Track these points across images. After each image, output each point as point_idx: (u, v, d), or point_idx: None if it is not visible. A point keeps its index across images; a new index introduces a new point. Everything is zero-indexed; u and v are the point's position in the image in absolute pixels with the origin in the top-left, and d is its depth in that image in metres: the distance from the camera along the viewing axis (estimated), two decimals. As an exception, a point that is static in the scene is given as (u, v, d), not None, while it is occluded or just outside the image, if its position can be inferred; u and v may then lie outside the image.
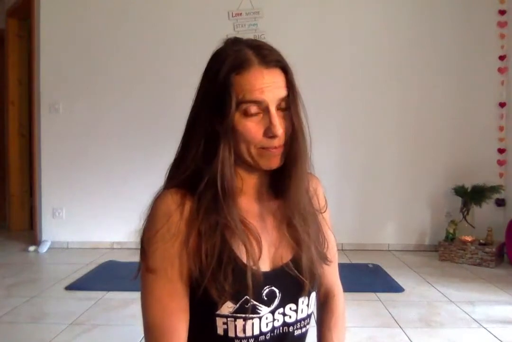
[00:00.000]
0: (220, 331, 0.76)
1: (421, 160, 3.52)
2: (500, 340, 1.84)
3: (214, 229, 0.75)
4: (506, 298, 2.38)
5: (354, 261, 3.14)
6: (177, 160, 0.87)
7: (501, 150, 3.45)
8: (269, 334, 0.78)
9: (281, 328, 0.80)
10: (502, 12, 3.43)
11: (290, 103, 0.78)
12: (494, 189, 3.22)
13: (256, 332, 0.77)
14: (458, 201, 3.33)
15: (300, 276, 0.80)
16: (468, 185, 3.28)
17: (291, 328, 0.82)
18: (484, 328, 1.97)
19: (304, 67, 3.58)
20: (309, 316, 0.86)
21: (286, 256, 0.81)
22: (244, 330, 0.76)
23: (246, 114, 0.75)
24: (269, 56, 0.76)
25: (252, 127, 0.76)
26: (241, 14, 3.50)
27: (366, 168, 3.56)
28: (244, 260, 0.75)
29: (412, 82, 3.51)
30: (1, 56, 4.47)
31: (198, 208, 0.76)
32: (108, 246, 3.60)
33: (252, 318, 0.76)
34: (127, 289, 2.53)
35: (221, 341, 0.76)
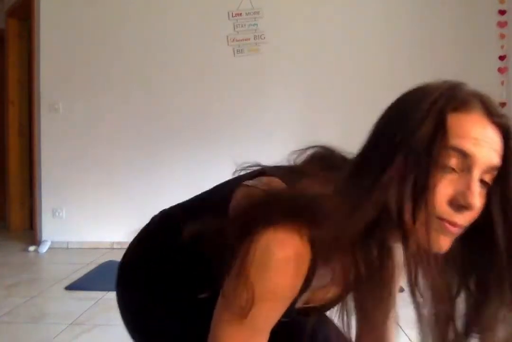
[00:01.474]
0: None
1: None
2: (500, 340, 1.84)
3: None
4: (506, 298, 2.38)
5: (354, 261, 3.14)
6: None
7: (501, 150, 3.45)
8: None
9: None
10: (502, 12, 3.43)
11: (500, 180, 0.59)
12: (494, 189, 3.22)
13: None
14: (458, 201, 3.33)
15: None
16: (468, 185, 3.28)
17: None
18: (484, 328, 1.97)
19: (304, 67, 3.59)
20: None
21: None
22: None
23: (441, 165, 0.57)
24: (497, 110, 0.60)
25: (441, 186, 0.56)
26: (241, 14, 3.50)
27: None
28: None
29: (412, 82, 3.49)
30: (1, 56, 4.47)
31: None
32: (108, 246, 3.59)
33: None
34: (127, 289, 2.53)
35: None
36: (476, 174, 0.56)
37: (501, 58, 3.44)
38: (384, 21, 3.50)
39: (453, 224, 0.57)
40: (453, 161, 0.56)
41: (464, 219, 0.57)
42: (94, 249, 3.56)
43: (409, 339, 1.85)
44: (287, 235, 0.58)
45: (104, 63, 3.60)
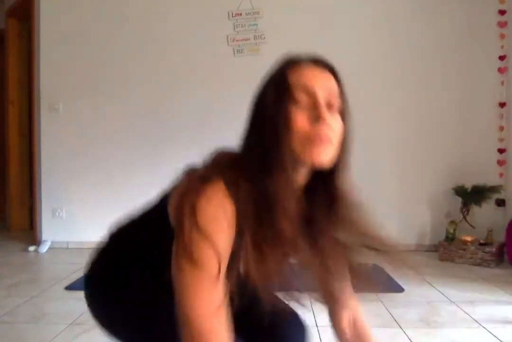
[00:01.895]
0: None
1: (421, 160, 3.52)
2: (500, 340, 1.84)
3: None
4: (506, 298, 2.38)
5: (354, 261, 3.14)
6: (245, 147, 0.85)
7: (501, 150, 3.45)
8: None
9: None
10: (502, 12, 3.43)
11: (340, 106, 0.84)
12: (494, 189, 3.22)
13: None
14: (458, 201, 3.33)
15: None
16: (468, 185, 3.28)
17: None
18: (484, 328, 1.97)
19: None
20: None
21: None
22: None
23: (295, 102, 0.79)
24: (321, 58, 0.86)
25: (299, 115, 0.78)
26: (241, 14, 3.50)
27: (366, 168, 3.55)
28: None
29: (412, 82, 3.51)
30: (1, 56, 4.47)
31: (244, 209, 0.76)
32: (108, 246, 3.59)
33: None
34: (127, 289, 2.53)
35: None
36: (320, 97, 0.79)
37: (501, 58, 3.44)
38: (384, 21, 3.50)
39: (319, 136, 0.77)
40: (302, 97, 0.78)
41: (326, 131, 0.77)
42: (94, 249, 3.56)
43: (409, 339, 1.85)
44: (211, 192, 0.76)
45: (104, 63, 3.60)
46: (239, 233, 0.76)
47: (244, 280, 0.78)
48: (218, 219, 0.75)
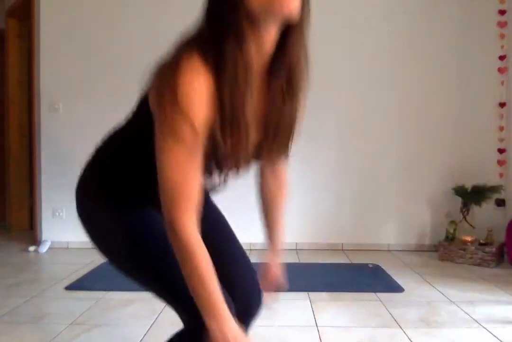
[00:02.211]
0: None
1: (421, 160, 3.53)
2: (500, 340, 1.84)
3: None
4: (506, 298, 2.38)
5: (354, 261, 3.14)
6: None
7: (501, 150, 3.45)
8: None
9: None
10: (502, 12, 3.43)
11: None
12: (494, 189, 3.22)
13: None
14: (458, 201, 3.33)
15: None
16: (468, 185, 3.28)
17: None
18: (484, 328, 1.97)
19: (304, 67, 3.59)
20: None
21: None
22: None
23: None
24: None
25: None
26: (241, 14, 3.49)
27: (366, 168, 3.56)
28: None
29: (412, 82, 3.51)
30: (1, 56, 4.47)
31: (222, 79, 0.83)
32: (108, 246, 3.60)
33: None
34: (127, 289, 2.53)
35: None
36: None
37: (501, 58, 3.44)
38: (384, 21, 3.50)
39: None
40: None
41: None
42: (94, 249, 3.56)
43: (409, 339, 1.85)
44: (190, 70, 0.81)
45: (104, 63, 3.60)
46: (215, 110, 0.84)
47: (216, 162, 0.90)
48: (196, 99, 0.80)
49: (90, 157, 1.20)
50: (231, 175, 0.95)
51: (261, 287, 1.16)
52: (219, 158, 0.88)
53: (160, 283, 0.98)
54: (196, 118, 0.81)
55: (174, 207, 0.84)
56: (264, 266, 1.21)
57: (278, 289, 1.22)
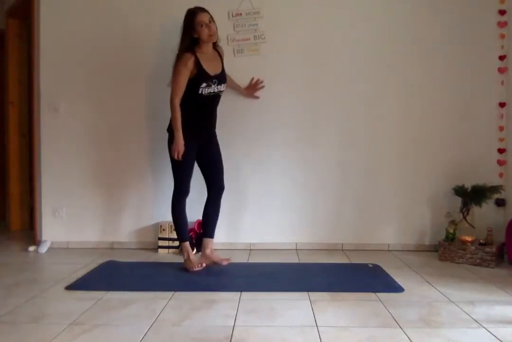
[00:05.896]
0: (200, 91, 2.87)
1: (421, 160, 3.52)
2: (500, 340, 1.84)
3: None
4: (506, 298, 2.38)
5: (354, 261, 3.14)
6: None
7: (501, 150, 3.45)
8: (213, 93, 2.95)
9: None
10: (502, 12, 3.43)
11: (212, 21, 2.87)
12: (494, 189, 3.22)
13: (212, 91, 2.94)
14: (458, 201, 3.33)
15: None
16: (468, 185, 3.28)
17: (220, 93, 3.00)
18: (484, 328, 1.97)
19: (303, 67, 3.59)
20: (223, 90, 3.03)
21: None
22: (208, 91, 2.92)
23: (201, 25, 2.81)
24: (203, 8, 2.87)
25: (205, 28, 2.82)
26: (241, 14, 3.50)
27: (366, 168, 3.56)
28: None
29: (412, 82, 3.51)
30: (1, 56, 4.48)
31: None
32: (108, 246, 3.60)
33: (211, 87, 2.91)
34: (127, 289, 2.53)
35: (199, 96, 2.90)
36: (206, 21, 2.85)
37: (501, 58, 3.44)
38: (384, 21, 3.50)
39: (212, 31, 2.89)
40: (204, 22, 2.84)
41: (213, 29, 2.89)
42: (94, 249, 3.56)
43: (409, 339, 1.85)
44: (185, 57, 2.84)
45: (104, 63, 3.60)
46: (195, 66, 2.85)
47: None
48: (187, 64, 2.81)
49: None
50: (214, 85, 2.90)
51: None
52: (203, 79, 2.85)
53: (174, 172, 2.97)
54: (189, 64, 2.80)
55: (173, 94, 2.85)
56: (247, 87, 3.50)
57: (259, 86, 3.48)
